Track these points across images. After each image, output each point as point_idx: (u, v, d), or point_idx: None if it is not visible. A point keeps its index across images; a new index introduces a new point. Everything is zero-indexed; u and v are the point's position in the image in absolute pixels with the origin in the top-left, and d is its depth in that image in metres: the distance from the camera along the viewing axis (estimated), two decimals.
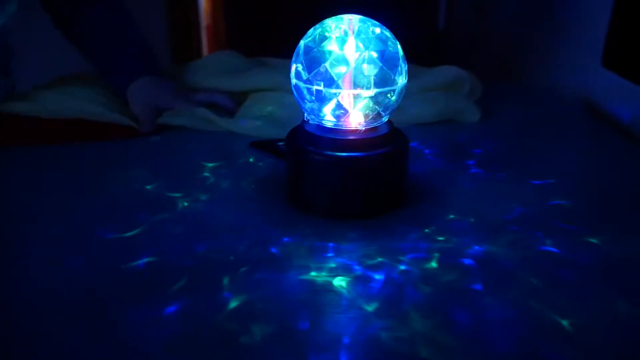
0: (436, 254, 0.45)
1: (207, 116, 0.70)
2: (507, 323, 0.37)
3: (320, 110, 0.49)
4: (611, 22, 0.76)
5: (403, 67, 0.50)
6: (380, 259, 0.44)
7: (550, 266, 0.43)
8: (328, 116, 0.49)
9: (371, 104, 0.49)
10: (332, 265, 0.43)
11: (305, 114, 0.51)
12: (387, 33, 0.49)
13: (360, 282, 0.41)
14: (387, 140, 0.51)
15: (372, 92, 0.48)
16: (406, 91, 0.73)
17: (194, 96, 0.75)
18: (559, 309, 0.38)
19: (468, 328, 0.37)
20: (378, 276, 0.42)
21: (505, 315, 0.38)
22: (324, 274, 0.42)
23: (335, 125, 0.50)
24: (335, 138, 0.49)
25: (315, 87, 0.47)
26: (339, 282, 0.41)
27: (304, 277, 0.42)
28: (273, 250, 0.45)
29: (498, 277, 0.42)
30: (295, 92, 0.50)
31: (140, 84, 0.73)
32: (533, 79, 0.79)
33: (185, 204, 0.52)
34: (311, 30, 0.48)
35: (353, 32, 0.48)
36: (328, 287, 0.41)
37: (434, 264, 0.43)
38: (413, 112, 0.73)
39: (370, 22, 0.49)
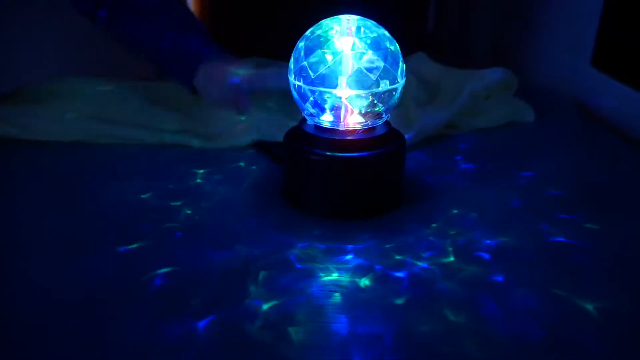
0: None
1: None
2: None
3: (320, 110, 0.50)
4: (601, 22, 0.76)
5: (400, 67, 0.49)
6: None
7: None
8: (326, 116, 0.50)
9: (368, 104, 0.48)
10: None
11: (303, 113, 0.52)
12: (385, 33, 0.48)
13: (275, 278, 0.42)
14: (384, 140, 0.50)
15: (369, 92, 0.47)
16: (467, 97, 0.72)
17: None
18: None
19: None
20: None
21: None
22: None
23: (332, 125, 0.50)
24: (333, 138, 0.50)
25: (313, 88, 0.48)
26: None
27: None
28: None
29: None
30: (294, 92, 0.51)
31: (208, 69, 0.66)
32: (522, 79, 0.78)
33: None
34: (309, 30, 0.49)
35: (351, 32, 0.48)
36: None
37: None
38: (482, 117, 0.72)
39: (368, 22, 0.48)
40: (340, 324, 0.37)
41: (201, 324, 0.37)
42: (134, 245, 0.46)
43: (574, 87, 0.85)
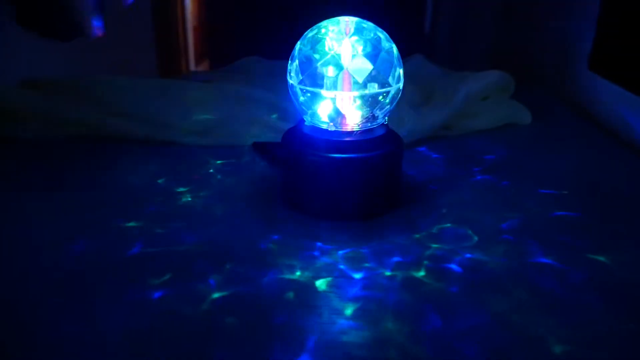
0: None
1: None
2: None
3: (314, 111, 0.50)
4: (598, 25, 0.76)
5: (398, 69, 0.48)
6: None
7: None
8: (323, 117, 0.50)
9: (366, 106, 0.48)
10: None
11: (303, 115, 0.52)
12: (382, 36, 0.47)
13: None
14: (381, 142, 0.49)
15: (367, 92, 0.47)
16: (463, 99, 0.72)
17: None
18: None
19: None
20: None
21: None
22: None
23: (329, 126, 0.50)
24: (329, 139, 0.50)
25: (308, 89, 0.49)
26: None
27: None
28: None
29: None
30: (291, 93, 0.51)
31: None
32: (519, 81, 0.77)
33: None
34: (308, 31, 0.50)
35: (348, 34, 0.48)
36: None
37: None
38: (477, 118, 0.72)
39: (366, 24, 0.48)
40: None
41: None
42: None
43: (570, 90, 0.86)
